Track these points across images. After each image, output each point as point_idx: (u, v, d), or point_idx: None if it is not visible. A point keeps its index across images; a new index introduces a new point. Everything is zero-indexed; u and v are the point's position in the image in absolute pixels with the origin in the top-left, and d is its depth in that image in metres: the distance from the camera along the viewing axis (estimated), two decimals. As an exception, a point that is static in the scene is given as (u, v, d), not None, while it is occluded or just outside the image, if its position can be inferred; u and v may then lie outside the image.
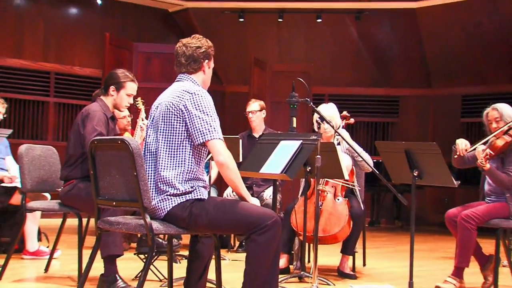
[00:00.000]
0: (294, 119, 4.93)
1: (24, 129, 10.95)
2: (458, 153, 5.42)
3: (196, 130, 3.68)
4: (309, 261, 6.01)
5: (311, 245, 5.38)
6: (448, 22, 11.46)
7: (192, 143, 3.73)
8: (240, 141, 6.54)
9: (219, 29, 12.02)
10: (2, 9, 10.70)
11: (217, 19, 11.78)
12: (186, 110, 3.71)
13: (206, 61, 3.95)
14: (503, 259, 6.06)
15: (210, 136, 3.68)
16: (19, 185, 5.71)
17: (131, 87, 5.25)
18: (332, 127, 5.53)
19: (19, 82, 10.85)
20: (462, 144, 5.44)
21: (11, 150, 6.69)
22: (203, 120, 3.69)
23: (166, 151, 3.74)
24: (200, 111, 3.70)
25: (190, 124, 3.70)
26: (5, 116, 6.70)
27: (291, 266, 5.94)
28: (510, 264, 5.90)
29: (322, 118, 5.59)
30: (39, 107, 11.14)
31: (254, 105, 7.35)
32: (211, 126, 3.70)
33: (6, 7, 10.82)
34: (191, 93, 3.75)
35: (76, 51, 11.45)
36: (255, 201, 3.85)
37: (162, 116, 3.78)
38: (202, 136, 3.68)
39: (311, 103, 5.09)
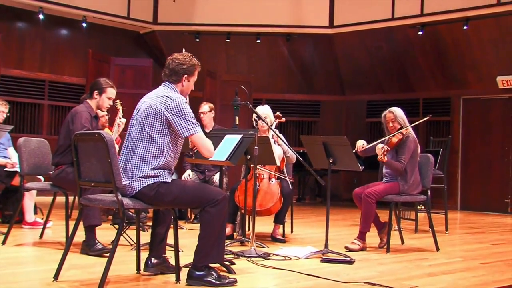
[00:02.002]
0: (237, 118, 4.90)
1: (23, 125, 10.73)
2: (355, 150, 5.54)
3: (181, 127, 3.65)
4: (249, 229, 6.00)
5: (250, 216, 5.36)
6: (357, 45, 11.62)
7: (172, 137, 3.70)
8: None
9: (179, 47, 11.69)
10: (7, 30, 10.49)
11: (178, 39, 11.66)
12: (168, 113, 3.65)
13: (186, 76, 3.88)
14: (394, 225, 6.17)
15: (194, 131, 3.67)
16: (18, 170, 5.57)
17: (111, 91, 5.15)
18: (267, 124, 5.53)
19: (20, 88, 10.67)
20: (359, 143, 5.61)
21: (12, 142, 6.54)
22: (184, 120, 3.65)
23: (149, 142, 3.66)
24: (180, 113, 3.65)
25: (174, 124, 3.65)
26: (8, 115, 6.59)
27: (234, 233, 5.92)
28: (399, 229, 6.17)
29: (259, 117, 5.59)
30: (36, 108, 10.93)
31: (205, 107, 7.22)
32: (191, 122, 3.68)
33: (11, 29, 10.64)
34: (173, 100, 3.69)
35: (65, 63, 11.26)
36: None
37: (146, 115, 3.69)
38: (187, 132, 3.66)
39: (251, 106, 5.08)
